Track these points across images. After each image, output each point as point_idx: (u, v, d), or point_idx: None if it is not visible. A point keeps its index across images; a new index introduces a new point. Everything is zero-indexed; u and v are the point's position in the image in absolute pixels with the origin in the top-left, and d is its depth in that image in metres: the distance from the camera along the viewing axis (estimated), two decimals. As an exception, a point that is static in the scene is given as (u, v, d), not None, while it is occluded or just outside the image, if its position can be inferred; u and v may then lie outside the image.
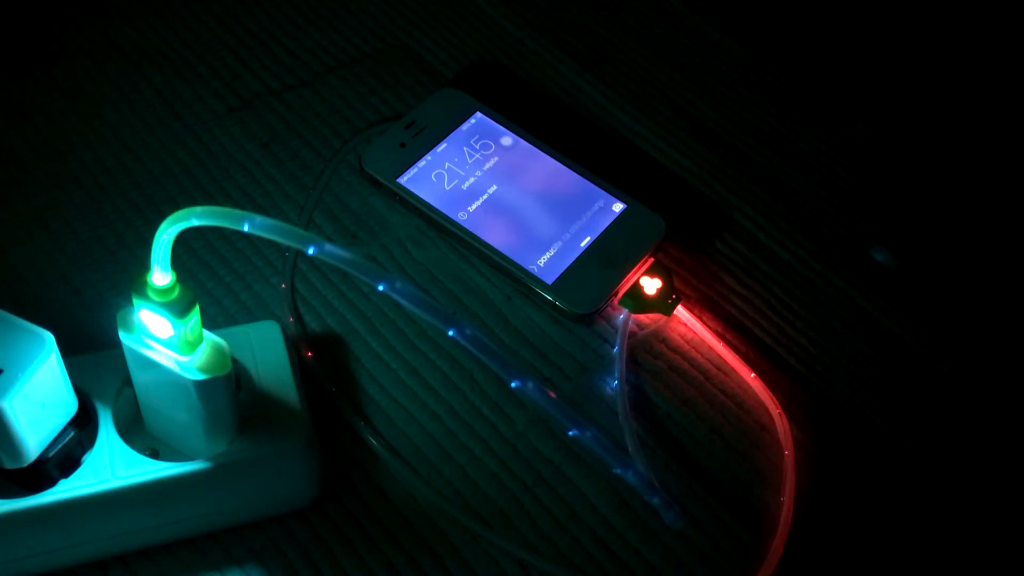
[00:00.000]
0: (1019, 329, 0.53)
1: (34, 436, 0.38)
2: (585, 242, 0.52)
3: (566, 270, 0.51)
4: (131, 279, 0.35)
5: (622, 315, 0.51)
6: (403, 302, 0.35)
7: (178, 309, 0.35)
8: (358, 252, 0.49)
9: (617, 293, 0.51)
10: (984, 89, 0.65)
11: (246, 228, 0.33)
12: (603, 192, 0.54)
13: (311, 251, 0.34)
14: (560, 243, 0.52)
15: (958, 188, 0.59)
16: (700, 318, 0.51)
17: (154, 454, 0.41)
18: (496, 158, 0.55)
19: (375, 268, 0.35)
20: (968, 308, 0.54)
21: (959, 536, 0.46)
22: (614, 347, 0.50)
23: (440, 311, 0.35)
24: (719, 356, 0.50)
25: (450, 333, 0.35)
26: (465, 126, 0.56)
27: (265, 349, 0.44)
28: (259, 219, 0.33)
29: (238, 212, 0.33)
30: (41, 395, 0.37)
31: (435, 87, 0.60)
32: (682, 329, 0.51)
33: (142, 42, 0.60)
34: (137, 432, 0.42)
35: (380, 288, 0.35)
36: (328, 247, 0.34)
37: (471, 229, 0.52)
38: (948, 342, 0.52)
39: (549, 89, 0.61)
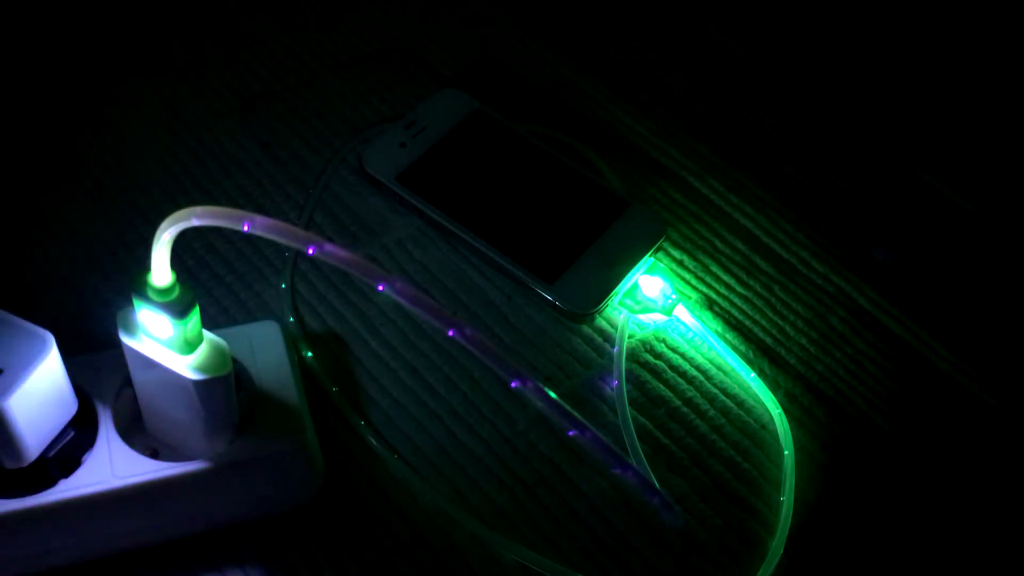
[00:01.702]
0: (1019, 328, 0.53)
1: (34, 436, 0.38)
2: (585, 242, 0.52)
3: (566, 270, 0.51)
4: (131, 279, 0.35)
5: (622, 315, 0.51)
6: (403, 302, 0.35)
7: (178, 309, 0.35)
8: (358, 252, 0.49)
9: (617, 293, 0.51)
10: (984, 88, 0.65)
11: (246, 228, 0.33)
12: (603, 192, 0.54)
13: (311, 251, 0.34)
14: (560, 243, 0.52)
15: (958, 188, 0.59)
16: (700, 318, 0.51)
17: (154, 454, 0.41)
18: (496, 158, 0.55)
19: (375, 268, 0.35)
20: (968, 307, 0.54)
21: (960, 536, 0.46)
22: (614, 347, 0.50)
23: (440, 311, 0.35)
24: (719, 356, 0.50)
25: (450, 333, 0.35)
26: (465, 126, 0.56)
27: (265, 349, 0.44)
28: (259, 219, 0.33)
29: (238, 212, 0.33)
30: (41, 395, 0.37)
31: (435, 87, 0.60)
32: (682, 329, 0.51)
33: (142, 42, 0.60)
34: (137, 432, 0.42)
35: (380, 288, 0.34)
36: (328, 247, 0.34)
37: (471, 229, 0.52)
38: (948, 342, 0.52)
39: (548, 89, 0.61)
